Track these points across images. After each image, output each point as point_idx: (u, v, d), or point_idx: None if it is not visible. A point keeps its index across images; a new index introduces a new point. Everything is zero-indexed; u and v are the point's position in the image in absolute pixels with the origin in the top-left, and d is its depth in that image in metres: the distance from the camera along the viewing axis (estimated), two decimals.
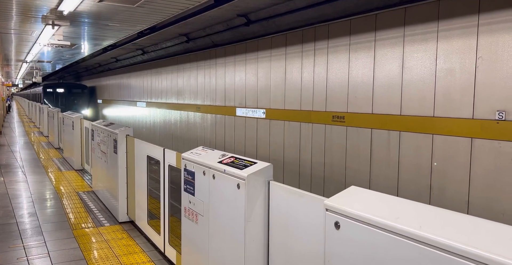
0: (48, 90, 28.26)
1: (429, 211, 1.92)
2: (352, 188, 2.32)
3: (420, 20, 6.59)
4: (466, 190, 5.97)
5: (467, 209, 5.89)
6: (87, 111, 28.05)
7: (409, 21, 6.76)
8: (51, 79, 36.78)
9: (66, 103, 27.98)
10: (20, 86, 60.00)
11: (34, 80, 25.85)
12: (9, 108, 40.87)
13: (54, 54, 17.59)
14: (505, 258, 1.43)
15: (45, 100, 27.89)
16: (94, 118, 26.64)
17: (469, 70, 5.90)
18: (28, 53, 16.61)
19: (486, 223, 1.73)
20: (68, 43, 11.39)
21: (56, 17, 9.29)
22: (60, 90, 28.41)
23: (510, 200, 5.47)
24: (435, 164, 6.40)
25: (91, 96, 29.22)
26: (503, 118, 5.49)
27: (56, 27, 9.97)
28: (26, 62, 20.24)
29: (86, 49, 15.05)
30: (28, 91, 56.44)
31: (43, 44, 11.97)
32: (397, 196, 4.50)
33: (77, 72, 31.81)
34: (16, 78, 40.89)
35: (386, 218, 1.87)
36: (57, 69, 26.36)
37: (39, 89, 31.56)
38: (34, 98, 37.55)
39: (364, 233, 1.95)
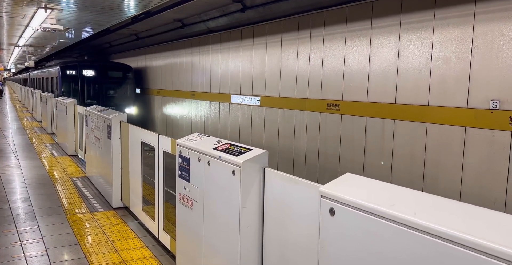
0: (69, 72, 16.82)
1: (424, 198, 1.93)
2: (347, 175, 2.33)
3: (416, 8, 6.56)
4: (459, 178, 6.03)
5: (460, 198, 5.95)
6: (132, 110, 17.30)
7: (406, 9, 6.73)
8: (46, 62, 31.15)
9: (100, 94, 17.19)
10: (13, 70, 59.29)
11: (26, 64, 24.66)
12: (1, 93, 40.36)
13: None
14: (498, 244, 1.45)
15: (62, 89, 16.77)
16: (143, 121, 17.21)
17: (465, 59, 5.90)
18: (20, 37, 16.37)
19: (479, 210, 1.75)
20: (61, 27, 11.25)
21: (48, 0, 9.14)
22: (90, 73, 17.08)
23: (502, 189, 5.53)
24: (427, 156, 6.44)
25: (137, 83, 18.39)
26: (497, 108, 5.52)
27: (48, 11, 9.81)
28: (18, 46, 19.96)
29: (79, 33, 14.84)
30: (25, 74, 43.92)
31: (35, 27, 11.80)
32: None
33: (95, 50, 22.58)
34: (8, 63, 40.40)
35: (381, 205, 1.88)
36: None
37: (53, 71, 18.55)
38: (41, 84, 24.18)
39: (359, 220, 1.96)
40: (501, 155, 5.51)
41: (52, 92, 18.66)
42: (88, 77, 17.01)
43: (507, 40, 5.43)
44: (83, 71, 16.94)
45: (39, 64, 32.35)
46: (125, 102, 17.32)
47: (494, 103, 5.54)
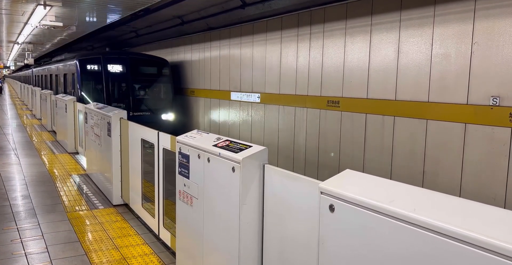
0: (90, 67, 13.22)
1: (424, 195, 1.93)
2: (347, 172, 2.33)
3: (416, 5, 6.54)
4: (458, 175, 6.03)
5: (459, 194, 5.96)
6: (170, 116, 13.94)
7: (406, 6, 6.71)
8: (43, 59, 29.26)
9: (129, 96, 13.46)
10: (12, 68, 59.25)
11: (26, 62, 24.20)
12: (0, 91, 40.30)
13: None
14: (498, 240, 1.45)
15: (82, 91, 13.04)
16: (184, 130, 9.72)
17: (465, 55, 5.89)
18: (20, 34, 16.36)
19: (479, 206, 1.75)
20: (61, 24, 11.22)
21: None
22: (117, 68, 13.43)
23: (502, 185, 5.53)
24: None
25: (175, 83, 14.77)
26: (497, 104, 5.52)
27: (48, 8, 9.80)
28: (18, 43, 19.95)
29: (79, 30, 14.83)
30: (26, 71, 39.39)
31: (34, 25, 11.78)
32: None
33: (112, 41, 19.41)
34: (7, 60, 40.36)
35: (380, 201, 1.88)
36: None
37: (68, 66, 14.65)
38: (49, 83, 20.77)
39: (358, 216, 1.96)
40: (501, 151, 5.51)
41: (65, 93, 15.04)
42: (115, 74, 13.15)
43: (507, 36, 5.42)
44: (109, 66, 13.15)
45: (42, 60, 29.98)
46: (162, 106, 13.56)
47: (494, 100, 5.54)
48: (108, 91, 13.25)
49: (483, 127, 5.68)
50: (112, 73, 13.32)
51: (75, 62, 13.35)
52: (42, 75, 24.57)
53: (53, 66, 19.60)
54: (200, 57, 13.45)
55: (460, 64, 5.94)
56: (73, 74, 13.66)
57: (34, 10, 10.63)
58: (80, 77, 13.04)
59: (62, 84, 16.38)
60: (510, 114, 5.38)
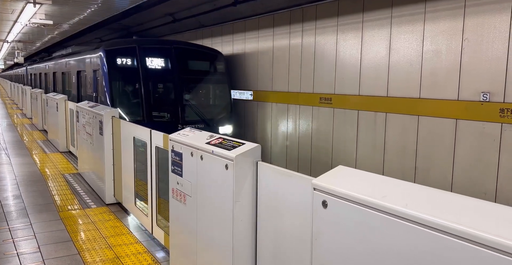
0: (121, 62, 9.37)
1: (416, 190, 1.95)
2: (340, 168, 2.34)
3: (407, 2, 6.57)
4: (450, 170, 6.08)
5: (451, 189, 6.01)
6: (228, 128, 10.17)
7: (397, 2, 6.74)
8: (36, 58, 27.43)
9: (177, 102, 9.58)
10: (1, 67, 58.64)
11: (15, 60, 23.68)
12: None
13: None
14: (489, 234, 1.46)
15: (112, 95, 9.23)
16: None
17: (455, 51, 5.93)
18: (9, 32, 16.20)
19: (469, 200, 1.77)
20: (51, 22, 11.13)
21: None
22: (158, 63, 9.65)
23: (492, 180, 5.59)
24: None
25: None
26: (488, 100, 5.57)
27: (37, 6, 9.71)
28: (7, 42, 19.75)
29: (69, 28, 14.72)
30: (18, 70, 34.73)
31: (24, 23, 11.67)
32: None
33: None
34: None
35: (373, 196, 1.90)
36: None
37: (89, 60, 10.76)
38: (53, 84, 16.77)
39: (351, 212, 1.97)
40: (492, 147, 5.57)
41: (80, 98, 11.58)
42: (156, 72, 9.39)
43: (497, 32, 5.47)
44: (147, 59, 9.33)
45: (38, 56, 27.94)
46: (218, 115, 9.95)
47: (484, 95, 5.59)
48: (147, 95, 9.08)
49: (474, 123, 5.73)
50: (152, 70, 9.37)
51: (99, 54, 9.43)
52: (39, 74, 20.44)
53: (58, 62, 15.30)
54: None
55: (451, 61, 5.98)
56: (94, 71, 9.90)
57: (23, 8, 10.53)
58: (109, 76, 9.01)
59: (74, 85, 12.48)
60: (500, 109, 5.43)
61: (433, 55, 6.23)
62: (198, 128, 7.73)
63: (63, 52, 16.43)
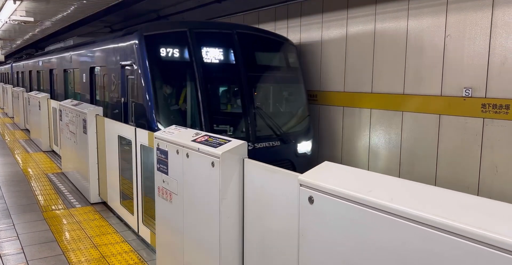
0: (168, 52, 6.35)
1: (401, 184, 1.96)
2: (325, 164, 2.35)
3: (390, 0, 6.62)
4: (434, 165, 6.16)
5: (435, 183, 6.09)
6: (308, 146, 7.23)
7: (381, 1, 6.79)
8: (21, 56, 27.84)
9: (248, 109, 6.61)
10: None
11: None
12: None
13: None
14: (472, 226, 1.49)
15: (154, 101, 6.08)
16: None
17: (438, 48, 6.00)
18: None
19: (452, 194, 1.80)
20: (32, 19, 10.94)
21: None
22: (217, 54, 6.63)
23: (475, 174, 5.68)
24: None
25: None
26: (470, 95, 5.65)
27: (17, 2, 9.53)
28: None
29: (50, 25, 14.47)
30: (2, 68, 30.52)
31: (4, 20, 11.45)
32: None
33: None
34: None
35: (358, 191, 1.91)
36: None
37: (117, 51, 7.29)
38: (65, 84, 12.02)
39: (337, 207, 1.98)
40: (474, 141, 5.65)
41: (95, 103, 8.76)
42: (215, 67, 6.72)
43: (478, 29, 5.54)
44: (204, 49, 6.63)
45: (11, 57, 28.06)
46: (298, 128, 7.31)
47: (466, 91, 5.67)
48: (205, 100, 6.31)
49: (457, 118, 5.81)
50: (211, 65, 6.59)
51: (133, 42, 6.53)
52: (29, 72, 17.22)
53: (57, 57, 12.39)
54: None
55: (434, 57, 6.05)
56: (122, 67, 7.04)
57: (3, 4, 10.33)
58: (151, 73, 6.19)
59: (84, 87, 9.45)
60: (482, 105, 5.52)
61: (416, 51, 6.29)
62: (273, 146, 6.49)
63: (62, 45, 13.29)
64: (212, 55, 6.60)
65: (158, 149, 3.81)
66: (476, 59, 5.57)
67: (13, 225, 5.29)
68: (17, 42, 21.09)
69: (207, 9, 10.29)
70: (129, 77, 6.77)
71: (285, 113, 7.53)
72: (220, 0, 9.20)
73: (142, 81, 6.24)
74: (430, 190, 1.87)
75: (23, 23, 11.88)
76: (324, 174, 2.22)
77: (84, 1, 9.78)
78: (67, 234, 5.02)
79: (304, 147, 7.13)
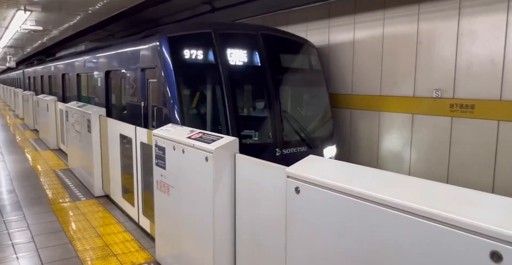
0: (192, 54, 5.53)
1: (378, 175, 1.95)
2: (310, 157, 2.33)
3: (369, 9, 6.63)
4: (407, 160, 6.18)
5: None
6: (333, 150, 6.45)
7: (359, 10, 6.79)
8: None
9: (277, 115, 5.79)
10: None
11: (7, 64, 22.78)
12: None
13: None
14: (431, 208, 1.50)
15: (179, 107, 5.29)
16: None
17: (411, 53, 6.02)
18: (0, 38, 15.64)
19: (423, 182, 1.81)
20: (41, 28, 10.78)
21: (27, 2, 8.73)
22: (242, 56, 5.81)
23: (444, 168, 5.71)
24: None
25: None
26: (439, 96, 5.67)
27: (28, 12, 9.39)
28: None
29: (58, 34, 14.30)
30: (14, 73, 29.30)
31: (15, 29, 11.27)
32: None
33: None
34: None
35: (339, 181, 1.89)
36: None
37: (137, 54, 6.29)
38: (77, 88, 10.60)
39: (321, 196, 1.96)
40: (444, 138, 5.68)
41: (110, 111, 7.86)
42: (240, 70, 5.88)
43: (446, 36, 5.57)
44: (228, 50, 5.80)
45: (22, 63, 27.01)
46: (323, 133, 6.56)
47: (436, 92, 5.70)
48: (232, 104, 5.56)
49: (428, 117, 5.84)
50: (236, 67, 5.80)
51: (155, 44, 5.73)
52: (41, 77, 16.23)
53: (70, 62, 11.31)
54: None
55: (407, 62, 6.07)
56: (142, 70, 6.16)
57: (14, 15, 10.17)
58: (175, 77, 5.41)
59: (98, 91, 8.45)
60: (450, 105, 5.54)
61: (392, 57, 6.31)
62: (300, 152, 5.68)
63: (73, 50, 12.36)
64: (237, 57, 5.80)
65: (156, 145, 3.76)
66: (444, 64, 5.60)
67: (24, 216, 5.20)
68: (27, 49, 20.83)
69: (201, 19, 10.22)
70: (150, 80, 5.93)
71: (311, 117, 6.67)
72: (213, 10, 9.14)
73: (166, 84, 5.37)
74: (404, 180, 1.86)
75: (32, 32, 11.71)
76: (309, 166, 2.20)
77: (89, 11, 9.67)
78: (73, 224, 4.94)
79: (330, 152, 6.32)
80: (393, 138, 6.35)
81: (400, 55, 6.17)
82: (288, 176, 2.17)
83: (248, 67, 5.89)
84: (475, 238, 1.37)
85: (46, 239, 4.48)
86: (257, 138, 5.66)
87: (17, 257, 4.05)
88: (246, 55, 5.87)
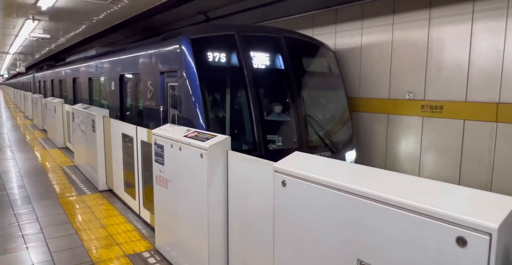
0: (215, 57, 4.89)
1: (359, 169, 1.95)
2: (296, 153, 2.33)
3: (348, 19, 6.65)
4: (383, 157, 6.22)
5: None
6: (353, 154, 5.84)
7: (339, 20, 6.81)
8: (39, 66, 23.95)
9: (300, 119, 5.17)
10: (6, 76, 55.68)
11: (17, 70, 22.41)
12: None
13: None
14: (408, 199, 1.49)
15: (203, 112, 4.63)
16: None
17: (386, 59, 6.06)
18: (11, 45, 15.38)
19: (400, 176, 1.80)
20: (48, 36, 10.62)
21: (36, 12, 8.59)
22: (265, 59, 5.17)
23: (415, 163, 5.76)
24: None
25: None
26: (411, 98, 5.72)
27: (36, 21, 9.24)
28: (9, 53, 18.76)
29: (66, 41, 14.11)
30: (25, 77, 28.33)
31: (24, 37, 11.09)
32: None
33: None
34: (1, 69, 37.91)
35: (322, 175, 1.89)
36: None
37: (158, 56, 5.59)
38: (89, 92, 9.86)
39: (305, 188, 1.96)
40: (415, 136, 5.73)
41: (124, 116, 7.29)
42: (264, 73, 5.19)
43: (416, 45, 5.62)
44: (252, 53, 5.13)
45: (44, 63, 24.14)
46: (344, 137, 5.89)
47: (409, 94, 5.74)
48: (257, 108, 4.94)
49: (401, 117, 5.88)
50: (260, 71, 5.19)
51: (177, 46, 5.09)
52: (51, 81, 15.16)
53: (82, 66, 10.39)
54: None
55: (383, 67, 6.10)
56: (162, 73, 5.51)
57: (23, 23, 10.00)
58: (199, 80, 4.77)
59: (112, 95, 7.74)
60: (421, 106, 5.59)
61: (369, 62, 6.34)
62: (325, 156, 4.11)
63: (84, 54, 11.55)
64: (261, 60, 5.18)
65: (155, 143, 3.72)
66: (415, 68, 5.64)
67: (33, 209, 5.12)
68: (36, 55, 20.52)
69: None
70: (170, 84, 5.27)
71: (333, 121, 5.98)
72: (207, 20, 9.09)
73: (190, 88, 4.74)
74: (381, 173, 1.86)
75: (41, 39, 11.53)
76: (295, 161, 2.19)
77: (94, 21, 9.55)
78: (79, 216, 4.88)
79: (350, 156, 5.74)
80: (373, 137, 6.39)
81: (376, 61, 6.20)
82: (275, 171, 2.17)
83: (272, 71, 5.25)
84: (444, 226, 1.38)
85: (54, 230, 4.41)
86: (280, 143, 5.06)
87: (27, 247, 3.98)
88: (269, 58, 5.26)
